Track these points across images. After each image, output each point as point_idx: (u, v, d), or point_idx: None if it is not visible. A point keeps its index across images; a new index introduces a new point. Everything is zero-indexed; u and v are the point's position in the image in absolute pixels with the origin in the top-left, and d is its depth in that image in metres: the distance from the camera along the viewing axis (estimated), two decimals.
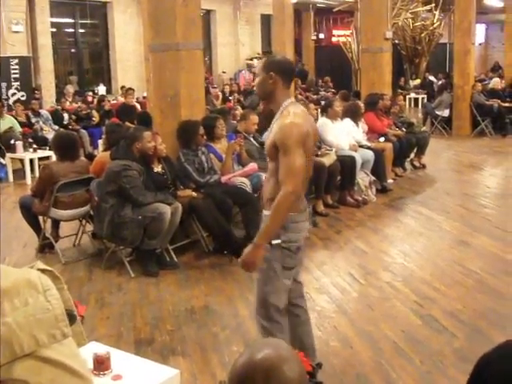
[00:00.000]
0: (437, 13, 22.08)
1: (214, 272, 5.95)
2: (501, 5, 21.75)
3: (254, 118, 7.38)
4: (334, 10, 22.78)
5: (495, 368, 1.59)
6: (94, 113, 13.28)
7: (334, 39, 28.00)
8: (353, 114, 8.93)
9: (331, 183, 8.03)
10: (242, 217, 6.53)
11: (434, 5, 21.77)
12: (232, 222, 6.51)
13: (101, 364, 2.75)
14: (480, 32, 29.04)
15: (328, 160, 7.87)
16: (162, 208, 5.73)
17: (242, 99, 16.26)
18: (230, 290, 5.47)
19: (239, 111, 9.88)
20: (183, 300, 5.28)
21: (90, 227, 6.78)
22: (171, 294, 5.45)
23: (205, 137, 6.62)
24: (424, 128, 12.65)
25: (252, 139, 7.39)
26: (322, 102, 12.17)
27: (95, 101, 14.27)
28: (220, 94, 16.62)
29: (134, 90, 13.67)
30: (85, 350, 2.92)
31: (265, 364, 1.46)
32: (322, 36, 28.71)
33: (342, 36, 25.52)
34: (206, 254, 6.40)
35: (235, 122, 8.88)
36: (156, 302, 5.29)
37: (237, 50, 22.41)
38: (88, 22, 18.01)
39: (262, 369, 1.45)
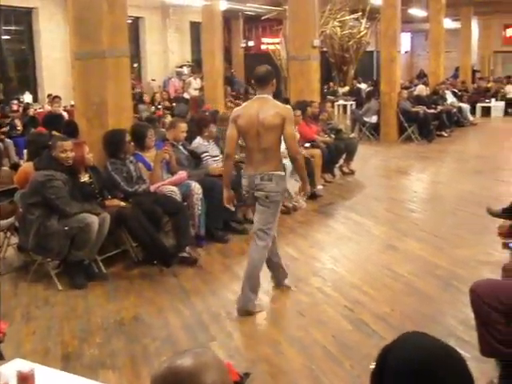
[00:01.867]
0: (364, 21, 22.53)
1: (144, 282, 5.87)
2: (425, 14, 22.35)
3: (183, 126, 7.34)
4: (263, 17, 23.00)
5: (394, 356, 1.67)
6: (17, 122, 12.94)
7: (263, 47, 28.21)
8: None
9: None
10: (172, 226, 6.48)
11: (360, 14, 22.21)
12: (162, 231, 6.45)
13: (24, 382, 2.66)
14: (405, 40, 29.80)
15: None
16: (89, 218, 5.62)
17: (171, 107, 16.17)
18: (160, 301, 5.41)
19: (168, 119, 9.81)
20: (112, 312, 5.19)
21: (14, 239, 6.58)
22: (100, 306, 5.35)
23: (133, 144, 6.55)
24: (352, 134, 12.88)
25: (181, 147, 7.34)
26: None
27: (21, 109, 13.92)
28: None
29: (60, 98, 13.38)
30: (8, 367, 2.83)
31: (184, 371, 1.45)
32: (251, 44, 28.89)
33: (271, 44, 25.75)
34: (136, 264, 6.31)
35: (164, 130, 8.79)
36: (84, 315, 5.18)
37: (166, 57, 22.29)
38: (12, 28, 17.58)
39: (181, 376, 1.43)
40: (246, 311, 5.03)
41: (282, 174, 5.12)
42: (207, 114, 9.16)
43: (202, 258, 6.51)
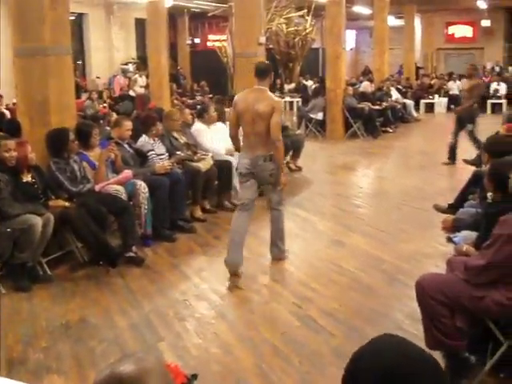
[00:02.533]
0: (309, 18, 22.63)
1: (90, 284, 5.78)
2: (369, 12, 22.60)
3: (128, 124, 7.25)
4: (209, 14, 22.90)
5: (367, 362, 1.64)
6: None
7: (209, 44, 28.11)
8: (222, 118, 8.98)
9: (208, 188, 8.03)
10: (118, 225, 6.40)
11: (306, 11, 22.30)
12: (107, 231, 6.36)
13: None
14: (350, 38, 30.09)
15: (204, 165, 7.86)
16: (32, 219, 5.50)
17: (116, 104, 15.96)
18: (107, 302, 5.33)
19: (114, 117, 9.67)
20: (58, 315, 5.09)
21: None
22: (45, 309, 5.24)
23: (76, 143, 6.44)
24: (299, 131, 12.96)
25: (126, 146, 7.25)
26: (198, 107, 12.15)
27: None
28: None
29: (2, 96, 13.09)
30: None
31: (126, 377, 1.42)
32: (197, 41, 28.76)
33: (217, 41, 25.68)
34: (82, 265, 6.20)
35: (109, 128, 8.67)
36: (29, 319, 5.07)
37: (111, 54, 22.02)
38: None
39: (123, 382, 1.41)
40: (281, 259, 6.25)
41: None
42: (153, 111, 9.06)
43: (149, 257, 6.45)
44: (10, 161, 5.72)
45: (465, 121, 10.94)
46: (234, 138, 6.17)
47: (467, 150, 11.15)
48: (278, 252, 6.28)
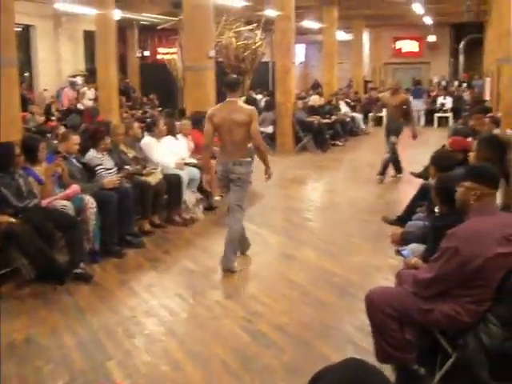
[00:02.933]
0: (259, 32, 22.73)
1: (37, 302, 5.64)
2: (318, 26, 22.85)
3: (75, 138, 7.14)
4: (159, 27, 22.79)
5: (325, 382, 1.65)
6: None
7: (159, 57, 28.01)
8: (171, 131, 8.93)
9: (158, 202, 7.96)
10: (66, 241, 6.27)
11: (256, 25, 22.40)
12: (54, 247, 6.24)
13: None
14: (300, 52, 30.38)
15: (154, 179, 7.80)
16: None
17: (64, 118, 15.74)
18: (54, 321, 5.21)
19: (62, 131, 9.53)
20: (3, 334, 4.92)
21: None
22: None
23: (22, 158, 6.31)
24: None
25: (74, 160, 7.14)
26: (148, 120, 12.07)
27: None
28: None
29: None
30: None
31: None
32: (147, 53, 28.62)
33: (167, 54, 25.60)
34: (28, 282, 6.04)
35: (57, 142, 8.53)
36: None
37: (59, 66, 21.70)
38: None
39: None
40: (229, 270, 6.34)
41: (249, 159, 6.51)
42: (101, 125, 8.95)
43: (98, 274, 6.34)
44: None
45: (390, 133, 11.16)
46: (208, 147, 6.58)
47: (416, 162, 11.32)
48: (226, 261, 6.42)
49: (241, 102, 6.59)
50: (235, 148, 6.33)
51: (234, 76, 7.24)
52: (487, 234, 3.54)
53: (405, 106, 11.08)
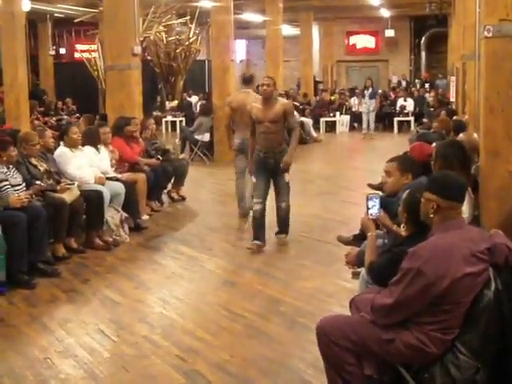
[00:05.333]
0: (193, 26, 22.77)
1: None
2: (261, 19, 23.00)
3: None
4: (76, 20, 22.62)
5: None
6: None
7: (77, 55, 27.80)
8: (92, 140, 8.83)
9: (75, 223, 7.82)
10: None
11: (189, 17, 22.42)
12: None
13: None
14: (240, 48, 30.56)
15: (69, 196, 7.65)
16: None
17: None
18: None
19: None
20: None
21: None
22: None
23: None
24: (182, 155, 12.92)
25: None
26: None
27: None
28: None
29: None
30: None
31: None
32: (62, 51, 28.37)
33: (86, 51, 25.41)
34: None
35: None
36: None
37: None
38: None
39: None
40: (250, 209, 9.11)
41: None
42: (6, 134, 8.77)
43: (3, 308, 6.20)
44: None
45: None
46: (227, 127, 9.99)
47: (373, 172, 11.44)
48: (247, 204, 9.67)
49: (253, 92, 9.79)
50: (247, 128, 8.71)
51: (251, 73, 10.42)
52: (453, 251, 3.56)
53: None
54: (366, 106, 20.94)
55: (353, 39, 32.16)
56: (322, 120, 22.15)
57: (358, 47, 32.19)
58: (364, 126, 21.13)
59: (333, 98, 24.29)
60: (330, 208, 10.43)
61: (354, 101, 23.19)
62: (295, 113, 8.41)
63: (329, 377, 3.87)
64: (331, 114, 22.49)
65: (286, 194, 8.19)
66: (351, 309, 4.20)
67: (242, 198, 9.84)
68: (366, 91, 21.50)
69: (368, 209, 4.66)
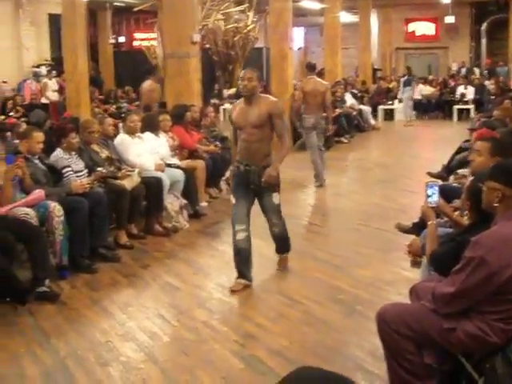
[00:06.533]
0: (251, 14, 22.75)
1: None
2: (319, 7, 22.85)
3: (39, 136, 7.09)
4: (135, 9, 22.79)
5: None
6: None
7: (135, 43, 28.02)
8: (151, 127, 8.91)
9: (135, 210, 7.92)
10: (28, 255, 6.24)
11: (247, 5, 22.40)
12: (15, 261, 6.19)
13: None
14: (298, 36, 30.41)
15: (130, 183, 7.76)
16: None
17: (26, 114, 15.73)
18: (15, 346, 5.17)
19: (23, 128, 9.49)
20: None
21: None
22: None
23: None
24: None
25: (37, 161, 7.10)
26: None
27: None
28: None
29: None
30: None
31: None
32: (122, 39, 28.62)
33: (144, 39, 25.59)
34: None
35: (18, 141, 8.50)
36: None
37: (20, 55, 21.67)
38: None
39: None
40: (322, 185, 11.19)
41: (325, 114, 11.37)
42: (68, 121, 8.93)
43: (65, 292, 6.31)
44: None
45: None
46: (298, 106, 11.61)
47: (433, 160, 11.33)
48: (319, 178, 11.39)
49: (317, 78, 11.61)
50: (318, 107, 11.06)
51: (312, 62, 12.47)
52: None
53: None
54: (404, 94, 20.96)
55: (412, 26, 31.69)
56: (380, 108, 21.95)
57: (417, 34, 31.71)
58: (404, 113, 21.11)
59: (391, 85, 24.03)
60: (388, 196, 10.34)
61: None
62: (284, 118, 6.65)
63: (388, 365, 3.86)
64: (389, 102, 22.27)
65: (277, 217, 6.64)
66: (411, 297, 4.17)
67: (320, 171, 11.18)
68: (401, 79, 21.39)
69: (428, 197, 4.60)
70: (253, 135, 6.22)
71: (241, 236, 6.35)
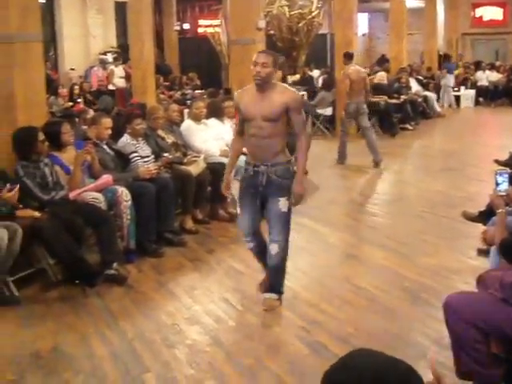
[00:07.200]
0: (315, 0, 22.63)
1: (64, 306, 5.73)
2: None
3: (107, 122, 7.22)
4: None
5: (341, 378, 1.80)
6: None
7: (200, 30, 28.12)
8: (216, 113, 8.95)
9: (201, 195, 7.99)
10: (97, 239, 6.36)
11: None
12: (84, 245, 6.33)
13: None
14: (363, 22, 30.13)
15: (195, 169, 7.83)
16: None
17: (93, 100, 15.97)
18: (84, 327, 5.29)
19: (91, 114, 9.64)
20: (26, 342, 5.04)
21: None
22: (11, 335, 5.20)
23: (47, 144, 6.41)
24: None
25: (105, 146, 7.22)
26: (189, 102, 12.16)
27: None
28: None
29: None
30: None
31: None
32: (186, 26, 28.76)
33: (209, 26, 25.66)
34: (54, 284, 6.15)
35: (86, 127, 8.66)
36: None
37: (87, 43, 21.98)
38: None
39: None
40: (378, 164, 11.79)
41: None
42: (136, 107, 9.05)
43: (132, 275, 6.41)
44: None
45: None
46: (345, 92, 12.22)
47: (501, 147, 11.13)
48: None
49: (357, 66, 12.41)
50: (360, 93, 11.77)
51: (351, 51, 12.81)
52: None
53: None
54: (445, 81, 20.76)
55: (479, 11, 31.03)
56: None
57: (484, 19, 31.06)
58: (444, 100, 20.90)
59: (456, 72, 23.63)
60: (454, 184, 10.21)
61: (479, 75, 22.54)
62: (303, 113, 5.61)
63: (454, 353, 3.83)
64: (455, 89, 21.92)
65: (280, 231, 5.45)
66: (478, 286, 4.12)
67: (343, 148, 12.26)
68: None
69: (497, 185, 4.53)
70: (263, 129, 5.24)
71: (250, 246, 5.71)
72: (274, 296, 5.57)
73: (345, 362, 1.84)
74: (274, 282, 5.62)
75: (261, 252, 5.66)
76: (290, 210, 5.42)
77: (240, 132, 5.59)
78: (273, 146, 5.27)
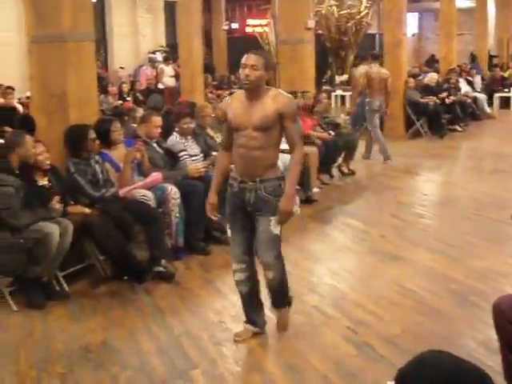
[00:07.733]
0: (364, 0, 22.54)
1: (113, 301, 5.82)
2: None
3: (157, 120, 7.28)
4: None
5: (415, 377, 1.89)
6: None
7: (248, 29, 28.19)
8: None
9: None
10: (146, 236, 6.42)
11: None
12: (133, 242, 6.39)
13: None
14: (412, 22, 29.90)
15: None
16: (48, 228, 5.55)
17: (143, 98, 16.13)
18: (132, 322, 5.36)
19: (140, 113, 9.74)
20: (76, 336, 5.14)
21: None
22: (61, 329, 5.29)
23: (97, 142, 6.50)
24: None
25: (155, 145, 7.29)
26: None
27: None
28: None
29: (13, 88, 13.29)
30: None
31: None
32: (235, 26, 28.86)
33: (257, 26, 25.72)
34: (103, 280, 6.26)
35: (135, 125, 8.75)
36: (43, 340, 5.12)
37: (137, 41, 22.21)
38: None
39: None
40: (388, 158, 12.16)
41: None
42: (185, 106, 9.11)
43: (180, 272, 6.47)
44: (32, 158, 5.84)
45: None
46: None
47: None
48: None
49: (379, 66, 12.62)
50: (380, 92, 11.99)
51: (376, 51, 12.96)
52: None
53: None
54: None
55: None
56: (496, 96, 21.33)
57: None
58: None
59: (506, 74, 23.28)
60: (504, 186, 10.06)
61: None
62: (299, 121, 4.87)
63: (503, 356, 3.80)
64: (506, 90, 21.61)
65: (270, 254, 4.81)
66: None
67: (384, 146, 12.25)
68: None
69: None
70: (253, 140, 4.64)
71: (239, 277, 4.95)
72: (287, 308, 5.18)
73: (421, 359, 1.92)
74: (281, 298, 5.15)
75: (249, 285, 5.01)
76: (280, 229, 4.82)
77: (227, 146, 4.92)
78: (264, 158, 4.66)
